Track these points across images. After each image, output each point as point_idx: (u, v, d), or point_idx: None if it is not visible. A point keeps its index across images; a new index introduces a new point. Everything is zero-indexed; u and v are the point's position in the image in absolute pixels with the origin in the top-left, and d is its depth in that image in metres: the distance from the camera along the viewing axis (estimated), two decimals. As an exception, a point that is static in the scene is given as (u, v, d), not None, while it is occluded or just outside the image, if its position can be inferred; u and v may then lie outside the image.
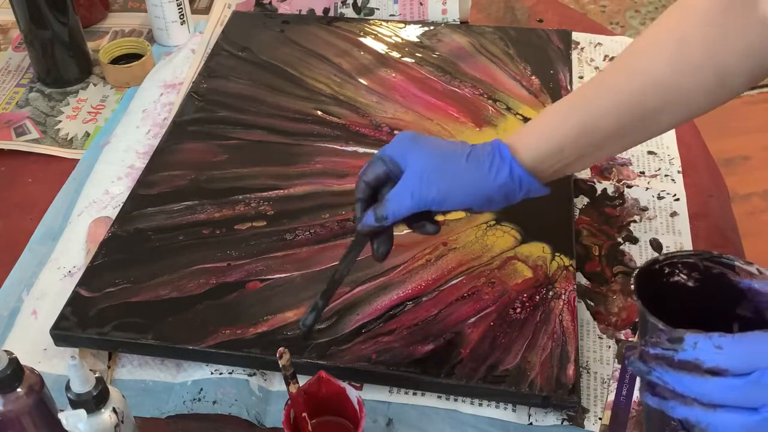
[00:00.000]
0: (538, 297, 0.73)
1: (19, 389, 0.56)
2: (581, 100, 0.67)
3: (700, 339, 0.48)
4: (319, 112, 0.95)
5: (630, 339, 0.72)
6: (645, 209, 0.84)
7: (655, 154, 0.91)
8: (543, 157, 0.65)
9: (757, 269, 0.53)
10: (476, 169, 0.65)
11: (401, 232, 0.80)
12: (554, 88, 0.97)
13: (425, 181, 0.65)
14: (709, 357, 0.48)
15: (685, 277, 0.56)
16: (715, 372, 0.47)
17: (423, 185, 0.65)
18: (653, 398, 0.51)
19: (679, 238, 0.81)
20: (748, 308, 0.54)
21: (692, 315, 0.54)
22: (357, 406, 0.61)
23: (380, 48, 1.05)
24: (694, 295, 0.56)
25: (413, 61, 1.02)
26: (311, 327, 0.71)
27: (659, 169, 0.89)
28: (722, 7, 0.60)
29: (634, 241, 0.81)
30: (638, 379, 0.56)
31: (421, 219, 0.69)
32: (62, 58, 1.04)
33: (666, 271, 0.56)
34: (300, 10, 1.13)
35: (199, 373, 0.71)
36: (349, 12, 1.12)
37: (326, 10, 1.12)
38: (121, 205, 0.85)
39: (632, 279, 0.55)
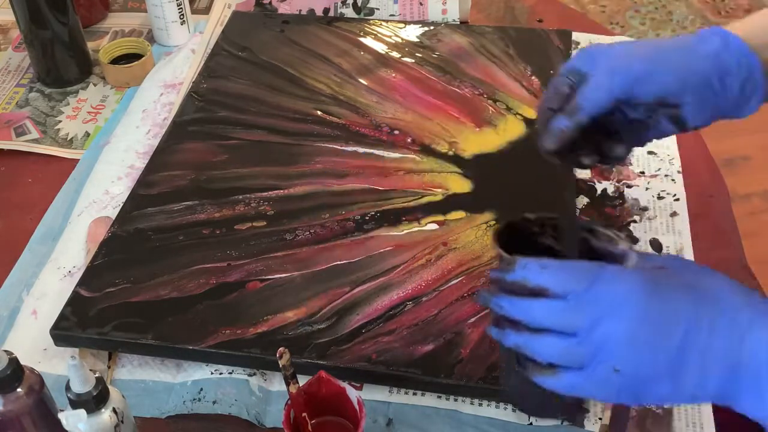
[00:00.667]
0: (538, 297, 0.73)
1: (19, 389, 0.56)
2: None
3: (529, 261, 0.52)
4: (319, 112, 0.95)
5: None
6: (645, 209, 0.84)
7: (655, 154, 0.91)
8: (762, 31, 0.59)
9: (615, 233, 0.56)
10: (683, 42, 0.58)
11: (401, 232, 0.80)
12: (554, 88, 0.97)
13: (621, 59, 0.57)
14: (534, 276, 0.51)
15: (552, 239, 0.59)
16: (539, 293, 0.51)
17: (621, 63, 0.57)
18: (494, 330, 0.55)
19: (679, 238, 0.81)
20: None
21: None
22: (357, 406, 0.61)
23: (380, 48, 1.05)
24: (560, 257, 0.56)
25: (413, 61, 1.02)
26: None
27: (659, 169, 0.89)
28: None
29: (634, 241, 0.81)
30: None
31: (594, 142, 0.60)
32: (62, 58, 1.04)
33: (534, 230, 0.59)
34: (300, 10, 1.13)
35: (199, 373, 0.71)
36: (349, 12, 1.12)
37: (326, 10, 1.12)
38: (121, 205, 0.85)
39: (496, 228, 0.57)
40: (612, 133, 0.62)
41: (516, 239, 0.57)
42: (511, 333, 0.53)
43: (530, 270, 0.52)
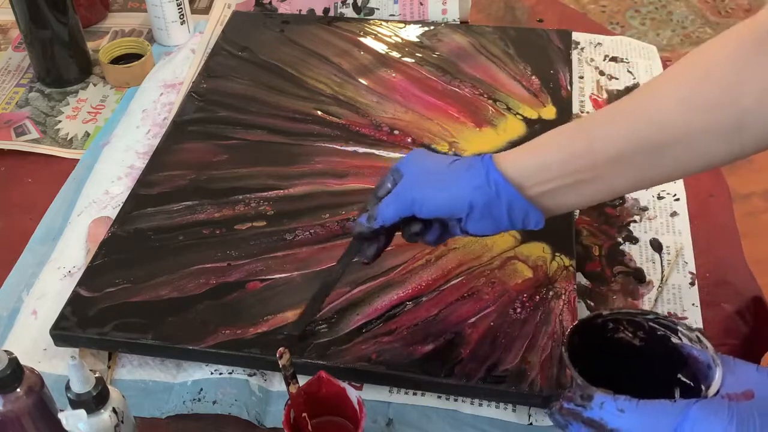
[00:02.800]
0: (538, 297, 0.73)
1: (19, 389, 0.56)
2: (577, 125, 0.65)
3: (607, 400, 0.50)
4: (319, 112, 0.95)
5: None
6: (645, 209, 0.84)
7: (655, 154, 0.91)
8: (526, 171, 0.63)
9: (698, 336, 0.54)
10: (454, 172, 0.65)
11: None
12: (554, 88, 0.97)
13: (408, 184, 0.65)
14: (612, 419, 0.50)
15: (630, 335, 0.57)
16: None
17: (406, 188, 0.65)
18: None
19: (679, 238, 0.81)
20: (688, 374, 0.55)
21: (636, 374, 0.54)
22: (357, 406, 0.61)
23: (380, 48, 1.05)
24: (639, 354, 0.56)
25: (413, 61, 1.02)
26: (303, 328, 0.71)
27: (659, 169, 0.89)
28: (753, 44, 0.55)
29: (634, 241, 0.81)
30: None
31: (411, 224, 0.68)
32: (62, 58, 1.04)
33: (610, 327, 0.57)
34: (300, 10, 1.13)
35: (199, 373, 0.71)
36: (349, 12, 1.12)
37: (326, 10, 1.12)
38: (121, 205, 0.85)
39: (568, 330, 0.55)
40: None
41: (589, 336, 0.56)
42: None
43: (607, 411, 0.50)
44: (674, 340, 0.56)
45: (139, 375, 0.72)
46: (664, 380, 0.56)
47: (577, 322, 0.57)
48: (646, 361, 0.57)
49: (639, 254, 0.80)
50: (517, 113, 0.94)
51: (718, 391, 0.51)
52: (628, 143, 0.59)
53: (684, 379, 0.55)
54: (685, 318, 0.74)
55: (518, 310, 0.72)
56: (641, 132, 0.59)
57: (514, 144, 0.90)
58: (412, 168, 0.67)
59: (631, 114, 0.60)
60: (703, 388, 0.53)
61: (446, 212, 0.65)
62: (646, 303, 0.75)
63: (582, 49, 1.06)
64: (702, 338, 0.54)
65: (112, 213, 0.85)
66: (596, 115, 0.66)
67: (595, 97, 0.99)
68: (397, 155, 0.89)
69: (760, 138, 0.56)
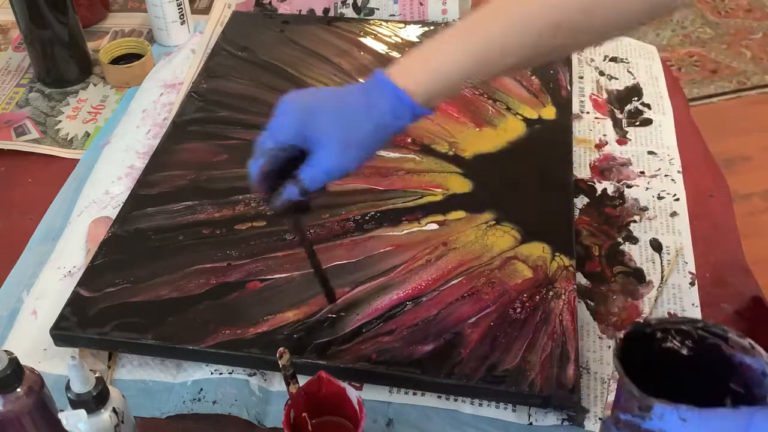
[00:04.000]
0: (538, 297, 0.73)
1: (19, 389, 0.56)
2: (481, 37, 0.64)
3: (667, 410, 0.48)
4: (319, 112, 0.95)
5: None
6: (645, 209, 0.84)
7: (655, 154, 0.91)
8: (435, 93, 0.64)
9: (750, 344, 0.52)
10: (381, 125, 0.64)
11: (401, 232, 0.80)
12: (554, 88, 0.97)
13: (339, 158, 0.64)
14: (674, 429, 0.48)
15: (678, 344, 0.56)
16: None
17: (342, 162, 0.64)
18: None
19: (679, 238, 0.81)
20: (739, 382, 0.53)
21: (687, 384, 0.52)
22: (357, 406, 0.61)
23: (380, 48, 1.05)
24: (689, 364, 0.55)
25: (413, 61, 1.02)
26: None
27: (659, 169, 0.89)
28: None
29: (634, 241, 0.81)
30: None
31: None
32: (62, 58, 1.04)
33: (658, 336, 0.55)
34: (300, 10, 1.13)
35: (199, 373, 0.71)
36: (349, 12, 1.12)
37: (326, 10, 1.12)
38: (121, 205, 0.85)
39: (617, 340, 0.53)
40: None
41: (635, 346, 0.54)
42: None
43: (668, 422, 0.48)
44: (725, 348, 0.54)
45: (139, 375, 0.72)
46: (714, 390, 0.54)
47: (626, 330, 0.55)
48: (694, 371, 0.55)
49: (639, 254, 0.80)
50: (517, 113, 0.94)
51: None
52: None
53: (736, 388, 0.53)
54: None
55: (518, 310, 0.72)
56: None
57: (514, 144, 0.90)
58: (323, 136, 0.64)
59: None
60: (756, 395, 0.51)
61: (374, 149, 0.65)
62: (646, 303, 0.75)
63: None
64: (755, 345, 0.52)
65: (112, 213, 0.85)
66: (484, 16, 0.64)
67: (595, 97, 0.99)
68: (397, 155, 0.89)
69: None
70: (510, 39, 0.62)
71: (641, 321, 0.55)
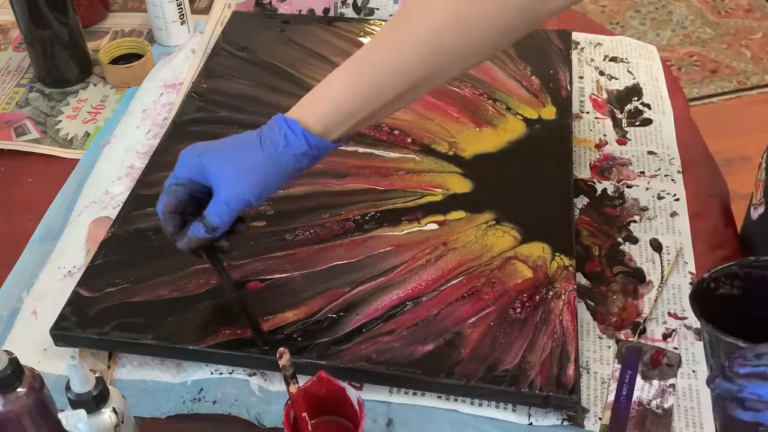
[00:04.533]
0: (538, 297, 0.73)
1: (19, 389, 0.56)
2: (369, 64, 0.69)
3: None
4: (319, 112, 0.95)
5: (630, 339, 0.72)
6: (645, 209, 0.84)
7: (655, 154, 0.91)
8: (330, 124, 0.67)
9: None
10: (274, 154, 0.66)
11: (401, 232, 0.80)
12: (554, 88, 0.97)
13: (235, 186, 0.66)
14: None
15: (728, 287, 0.59)
16: None
17: (237, 190, 0.66)
18: (746, 413, 0.53)
19: (679, 238, 0.81)
20: None
21: (733, 320, 0.55)
22: (357, 406, 0.61)
23: (380, 48, 1.05)
24: (736, 302, 0.58)
25: (413, 61, 1.02)
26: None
27: (659, 169, 0.89)
28: None
29: (634, 241, 0.81)
30: (710, 399, 0.58)
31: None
32: (62, 58, 1.04)
33: (712, 287, 0.59)
34: (300, 10, 1.13)
35: (199, 373, 0.71)
36: (349, 12, 1.12)
37: (326, 10, 1.12)
38: (121, 205, 0.85)
39: (690, 302, 0.57)
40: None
41: (702, 300, 0.57)
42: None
43: None
44: None
45: (139, 375, 0.72)
46: (761, 320, 0.57)
47: (691, 293, 0.59)
48: (742, 307, 0.58)
49: (639, 254, 0.80)
50: (517, 113, 0.94)
51: None
52: (421, 70, 0.66)
53: None
54: (685, 318, 0.74)
55: (518, 310, 0.72)
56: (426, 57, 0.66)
57: (514, 144, 0.90)
58: (221, 171, 0.67)
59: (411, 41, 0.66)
60: None
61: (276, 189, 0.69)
62: (646, 303, 0.75)
63: (582, 49, 1.06)
64: None
65: (112, 213, 0.85)
66: (377, 48, 0.70)
67: (595, 97, 0.99)
68: (397, 155, 0.89)
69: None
70: (392, 63, 0.67)
71: (698, 280, 0.59)
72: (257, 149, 0.67)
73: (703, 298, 0.58)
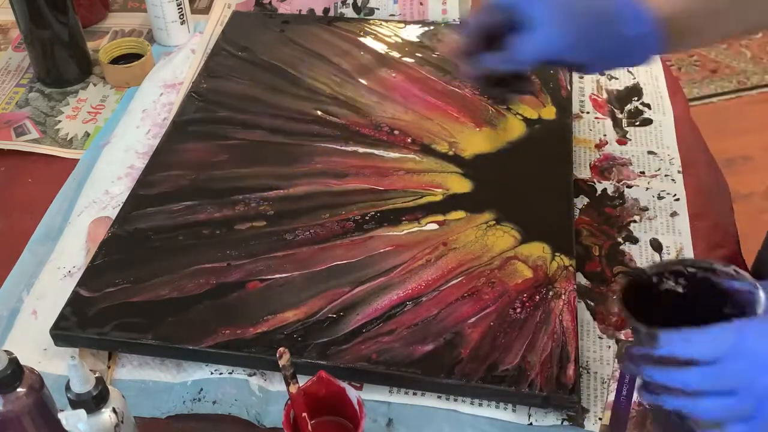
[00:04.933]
0: (538, 297, 0.73)
1: (19, 389, 0.56)
2: None
3: (671, 335, 0.53)
4: (319, 112, 0.95)
5: (630, 339, 0.72)
6: (645, 209, 0.84)
7: (655, 154, 0.91)
8: (672, 15, 0.65)
9: (734, 270, 0.57)
10: (607, 17, 0.64)
11: (401, 232, 0.80)
12: (554, 88, 0.97)
13: (564, 27, 0.64)
14: (681, 350, 0.53)
15: (672, 284, 0.60)
16: (690, 363, 0.53)
17: (562, 31, 0.64)
18: (648, 395, 0.56)
19: (679, 238, 0.81)
20: (733, 307, 0.58)
21: (686, 320, 0.56)
22: (357, 406, 0.61)
23: (380, 48, 1.05)
24: (685, 301, 0.59)
25: (413, 61, 1.02)
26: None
27: (659, 169, 0.89)
28: None
29: (634, 241, 0.81)
30: (637, 381, 0.59)
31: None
32: (62, 58, 1.04)
33: (655, 281, 0.60)
34: (300, 10, 1.13)
35: (199, 373, 0.71)
36: (349, 12, 1.12)
37: (326, 10, 1.12)
38: (121, 205, 0.85)
39: (618, 289, 0.59)
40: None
41: (637, 293, 0.59)
42: (669, 398, 0.55)
43: (676, 345, 0.53)
44: (713, 279, 0.58)
45: (139, 375, 0.72)
46: (712, 319, 0.57)
47: (623, 283, 0.60)
48: (691, 307, 0.59)
49: (639, 254, 0.80)
50: (517, 113, 0.94)
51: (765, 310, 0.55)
52: None
53: (731, 312, 0.57)
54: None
55: (518, 310, 0.72)
56: None
57: (514, 144, 0.90)
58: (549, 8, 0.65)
59: None
60: (748, 314, 0.56)
61: (588, 61, 0.66)
62: (646, 303, 0.75)
63: (582, 49, 1.06)
64: (739, 270, 0.57)
65: (112, 213, 0.85)
66: None
67: (595, 97, 0.99)
68: (397, 155, 0.89)
69: None
70: None
71: (637, 269, 0.61)
72: (587, 4, 0.64)
73: (642, 287, 0.59)
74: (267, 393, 0.70)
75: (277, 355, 0.59)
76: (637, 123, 0.95)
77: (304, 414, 0.61)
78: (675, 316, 0.57)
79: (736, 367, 0.52)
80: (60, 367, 0.72)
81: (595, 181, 0.88)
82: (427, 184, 0.85)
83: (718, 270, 0.58)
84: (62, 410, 0.57)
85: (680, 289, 0.60)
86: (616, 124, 0.95)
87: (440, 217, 0.81)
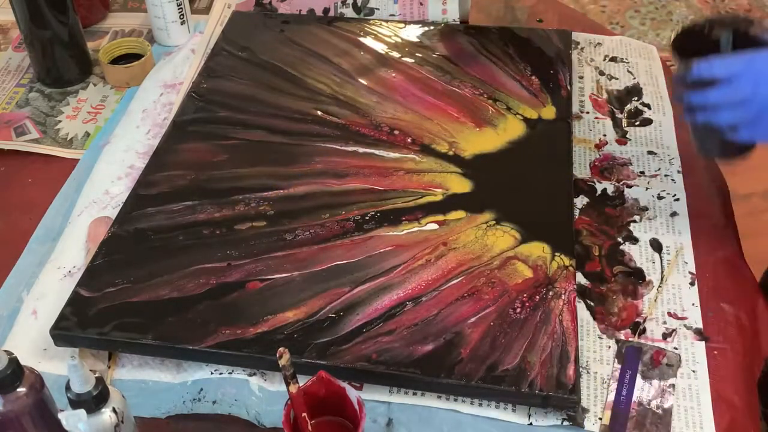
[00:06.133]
0: (538, 297, 0.73)
1: (19, 389, 0.56)
2: None
3: (700, 62, 0.70)
4: (319, 112, 0.95)
5: (630, 339, 0.72)
6: (645, 209, 0.84)
7: (655, 154, 0.91)
8: None
9: None
10: None
11: (401, 232, 0.80)
12: (554, 88, 0.97)
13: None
14: (705, 71, 0.70)
15: (720, 33, 0.72)
16: (713, 82, 0.69)
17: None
18: (688, 115, 0.73)
19: (679, 238, 0.81)
20: None
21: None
22: (357, 406, 0.61)
23: (380, 48, 1.05)
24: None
25: (413, 61, 1.02)
26: None
27: (659, 169, 0.89)
28: None
29: (634, 241, 0.81)
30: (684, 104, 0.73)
31: None
32: (62, 58, 1.04)
33: (705, 31, 0.73)
34: (300, 10, 1.13)
35: (199, 373, 0.71)
36: (349, 12, 1.12)
37: (326, 10, 1.12)
38: (121, 205, 0.85)
39: (672, 36, 0.75)
40: None
41: (692, 41, 0.73)
42: (700, 113, 0.71)
43: (702, 69, 0.70)
44: (751, 31, 0.72)
45: (139, 375, 0.72)
46: None
47: (677, 31, 0.75)
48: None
49: (639, 254, 0.80)
50: (517, 113, 0.94)
51: None
52: None
53: None
54: (685, 318, 0.74)
55: (518, 310, 0.72)
56: None
57: (514, 144, 0.90)
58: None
59: None
60: None
61: None
62: (646, 303, 0.75)
63: (582, 49, 1.06)
64: None
65: (112, 213, 0.85)
66: None
67: (595, 97, 0.99)
68: (397, 155, 0.89)
69: None
70: None
71: (694, 21, 0.75)
72: None
73: (697, 39, 0.72)
74: (267, 393, 0.70)
75: (277, 355, 0.59)
76: (637, 123, 0.95)
77: (304, 414, 0.61)
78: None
79: (744, 83, 0.68)
80: (60, 367, 0.72)
81: (595, 181, 0.88)
82: (427, 184, 0.85)
83: (755, 22, 0.70)
84: (62, 410, 0.57)
85: (725, 39, 0.72)
86: (616, 124, 0.95)
87: (440, 217, 0.81)
